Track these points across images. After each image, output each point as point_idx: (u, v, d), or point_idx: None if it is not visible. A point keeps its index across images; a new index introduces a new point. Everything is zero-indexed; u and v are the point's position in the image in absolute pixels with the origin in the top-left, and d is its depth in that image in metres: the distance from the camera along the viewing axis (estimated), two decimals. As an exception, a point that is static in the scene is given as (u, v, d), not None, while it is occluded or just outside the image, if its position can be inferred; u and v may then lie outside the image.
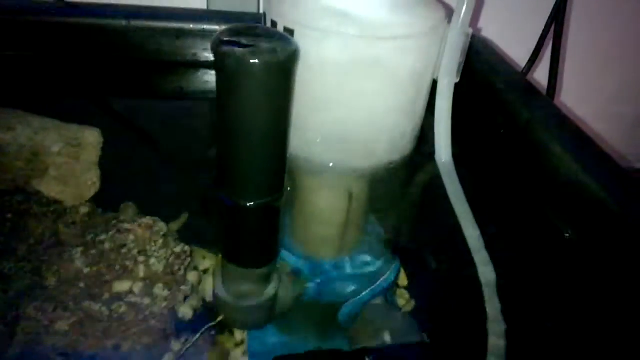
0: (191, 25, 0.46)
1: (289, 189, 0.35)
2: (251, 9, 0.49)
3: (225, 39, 0.29)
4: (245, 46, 0.28)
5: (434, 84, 0.37)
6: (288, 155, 0.34)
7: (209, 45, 0.47)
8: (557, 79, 0.42)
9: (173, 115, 0.43)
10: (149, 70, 0.46)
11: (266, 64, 0.28)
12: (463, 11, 0.33)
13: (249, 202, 0.34)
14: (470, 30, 0.35)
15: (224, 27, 0.46)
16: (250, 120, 0.31)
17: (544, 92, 0.45)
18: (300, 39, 0.32)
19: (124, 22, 0.44)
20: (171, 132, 0.41)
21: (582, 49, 0.61)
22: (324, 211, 0.37)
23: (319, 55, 0.32)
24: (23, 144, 0.38)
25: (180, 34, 0.46)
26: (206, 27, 0.46)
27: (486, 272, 0.30)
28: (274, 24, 0.34)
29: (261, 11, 0.44)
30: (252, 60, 0.28)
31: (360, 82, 0.33)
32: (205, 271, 0.32)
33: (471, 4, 0.33)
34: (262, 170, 0.34)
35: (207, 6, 0.50)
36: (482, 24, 0.56)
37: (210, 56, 0.47)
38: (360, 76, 0.33)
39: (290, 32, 0.32)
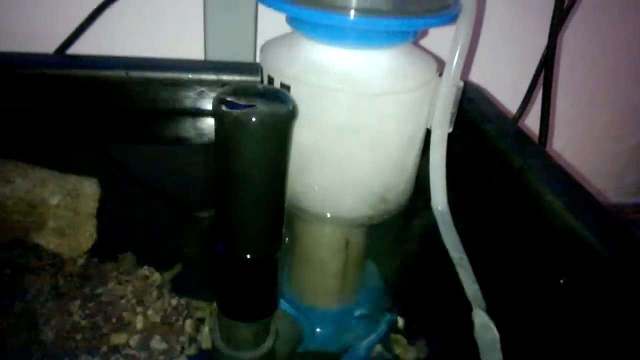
0: (189, 75, 0.47)
1: (287, 239, 0.36)
2: (248, 58, 0.51)
3: (224, 98, 0.29)
4: (243, 106, 0.29)
5: (429, 132, 0.38)
6: (286, 206, 0.34)
7: (206, 94, 0.48)
8: (549, 123, 0.43)
9: (170, 162, 0.44)
10: (146, 118, 0.47)
11: (264, 125, 0.29)
12: (454, 65, 0.34)
13: (247, 254, 0.35)
14: (461, 83, 0.36)
15: (220, 77, 0.48)
16: (247, 175, 0.31)
17: (536, 136, 0.47)
18: (297, 95, 0.33)
19: (123, 73, 0.45)
20: (168, 179, 0.42)
21: (571, 91, 0.62)
22: (322, 261, 0.37)
23: (315, 110, 0.33)
24: (21, 196, 0.38)
25: (178, 83, 0.47)
26: (203, 76, 0.47)
27: (487, 332, 0.29)
28: (270, 79, 0.35)
29: (257, 60, 0.45)
30: (250, 121, 0.29)
31: (355, 136, 0.34)
32: (201, 320, 0.32)
33: (462, 58, 0.34)
34: (260, 223, 0.34)
35: (205, 56, 0.51)
36: (474, 69, 0.57)
37: (207, 104, 0.48)
38: (355, 130, 0.34)
39: (287, 87, 0.33)
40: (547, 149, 0.46)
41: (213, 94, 0.48)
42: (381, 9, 0.31)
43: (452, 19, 0.33)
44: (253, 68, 0.48)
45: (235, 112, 0.28)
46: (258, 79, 0.37)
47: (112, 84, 0.45)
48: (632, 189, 0.76)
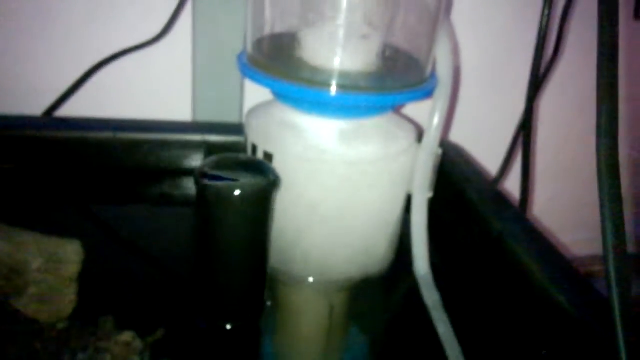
0: (175, 136, 0.48)
1: (269, 303, 0.35)
2: (234, 119, 0.52)
3: (206, 171, 0.30)
4: (225, 179, 0.30)
5: (410, 197, 0.39)
6: (268, 269, 0.35)
7: (192, 155, 0.49)
8: (528, 190, 0.44)
9: (155, 222, 0.44)
10: (132, 178, 0.48)
11: (245, 198, 0.29)
12: (432, 135, 0.35)
13: (227, 324, 0.34)
14: (440, 151, 0.37)
15: (207, 137, 0.48)
16: (229, 245, 0.32)
17: (516, 196, 0.48)
18: (279, 164, 0.33)
19: (110, 135, 0.46)
20: (153, 239, 0.42)
21: (552, 149, 0.64)
22: (306, 326, 0.37)
23: (298, 179, 0.34)
24: (3, 260, 0.38)
25: (165, 144, 0.48)
26: (189, 137, 0.48)
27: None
28: (254, 147, 0.35)
29: (243, 120, 0.46)
30: (231, 195, 0.30)
31: (336, 204, 0.34)
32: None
33: (439, 129, 0.36)
34: (242, 291, 0.34)
35: (193, 117, 0.52)
36: (454, 128, 0.59)
37: (192, 163, 0.49)
38: (336, 198, 0.34)
39: (270, 156, 0.34)
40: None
41: (199, 155, 0.48)
42: (361, 85, 0.32)
43: (429, 93, 0.34)
44: (239, 129, 0.49)
45: (217, 185, 0.28)
46: (243, 139, 0.38)
47: (100, 145, 0.46)
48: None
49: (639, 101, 0.65)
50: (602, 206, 0.19)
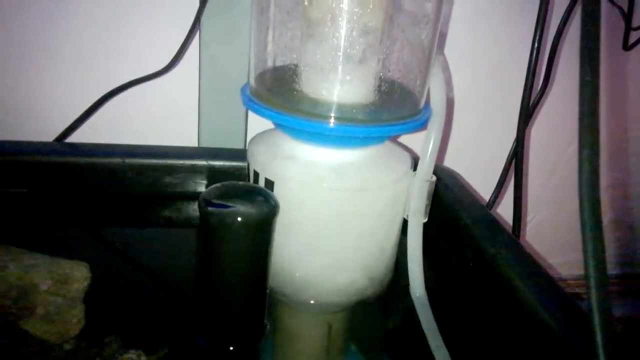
0: (182, 162, 0.49)
1: (268, 326, 0.37)
2: (238, 145, 0.54)
3: (209, 199, 0.32)
4: (228, 207, 0.31)
5: (406, 221, 0.40)
6: (268, 292, 0.36)
7: (197, 179, 0.51)
8: (521, 216, 0.46)
9: (160, 244, 0.46)
10: (140, 202, 0.49)
11: (247, 225, 0.31)
12: (426, 164, 0.37)
13: (229, 346, 0.35)
14: (434, 178, 0.38)
15: (211, 163, 0.50)
16: (231, 269, 0.33)
17: (508, 219, 0.49)
18: (280, 190, 0.35)
19: (119, 160, 0.48)
20: (159, 261, 0.43)
21: (543, 174, 0.66)
22: (304, 346, 0.38)
23: (298, 204, 0.35)
24: (13, 282, 0.39)
25: (172, 169, 0.49)
26: (195, 162, 0.50)
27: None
28: (256, 174, 0.37)
29: (246, 147, 0.48)
30: (234, 222, 0.31)
31: (335, 229, 0.36)
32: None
33: (433, 157, 0.37)
34: (243, 314, 0.35)
35: (198, 143, 0.54)
36: (449, 153, 0.61)
37: (198, 188, 0.51)
38: (335, 224, 0.36)
39: (271, 183, 0.36)
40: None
41: (204, 179, 0.50)
42: (358, 117, 0.34)
43: (423, 124, 0.36)
44: (243, 155, 0.51)
45: (220, 212, 0.30)
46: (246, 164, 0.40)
47: (109, 170, 0.48)
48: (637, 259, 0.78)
49: (628, 128, 0.67)
50: (584, 242, 0.20)
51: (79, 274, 0.42)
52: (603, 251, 0.22)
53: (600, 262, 0.21)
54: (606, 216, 0.73)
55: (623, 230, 0.74)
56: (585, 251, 0.22)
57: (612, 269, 0.76)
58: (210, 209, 0.30)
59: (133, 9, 0.50)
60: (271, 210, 0.32)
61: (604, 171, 0.70)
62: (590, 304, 0.23)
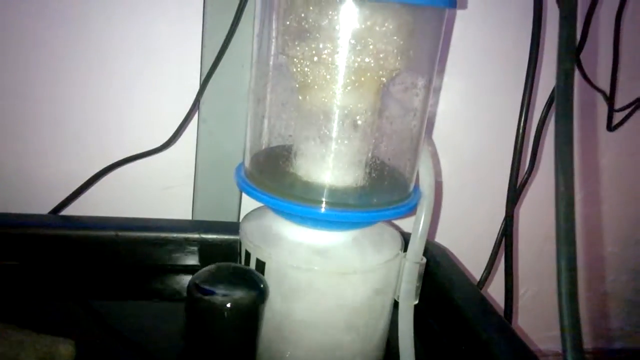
0: (175, 235, 0.50)
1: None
2: (232, 218, 0.54)
3: (198, 284, 0.32)
4: (216, 293, 0.31)
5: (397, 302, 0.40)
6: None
7: (190, 252, 0.51)
8: (512, 299, 0.46)
9: (150, 318, 0.45)
10: (132, 275, 0.49)
11: (235, 310, 0.31)
12: (416, 246, 0.38)
13: None
14: (424, 260, 0.39)
15: (204, 236, 0.50)
16: (218, 350, 0.33)
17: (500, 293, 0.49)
18: (271, 272, 0.35)
19: (112, 234, 0.48)
20: (146, 335, 0.42)
21: (533, 253, 0.67)
22: None
23: (288, 287, 0.35)
24: (-3, 360, 0.38)
25: (165, 242, 0.49)
26: (188, 236, 0.50)
27: None
28: (247, 254, 0.37)
29: (241, 220, 0.49)
30: (222, 307, 0.31)
31: (325, 312, 0.36)
32: None
33: (422, 239, 0.38)
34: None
35: (192, 216, 0.55)
36: (440, 230, 0.62)
37: (191, 261, 0.51)
38: (325, 306, 0.36)
39: (262, 263, 0.36)
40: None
41: (196, 253, 0.50)
42: (349, 202, 0.35)
43: (413, 208, 0.37)
44: (236, 228, 0.51)
45: (208, 298, 0.30)
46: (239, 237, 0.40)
47: (101, 243, 0.48)
48: (611, 334, 0.77)
49: (615, 204, 0.69)
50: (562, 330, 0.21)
51: (64, 351, 0.41)
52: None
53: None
54: (601, 289, 0.73)
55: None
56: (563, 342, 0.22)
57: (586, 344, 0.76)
58: (199, 295, 0.30)
59: (136, 86, 0.52)
60: (260, 296, 0.32)
61: (594, 246, 0.71)
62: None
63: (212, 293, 0.30)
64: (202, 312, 0.31)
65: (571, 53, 0.21)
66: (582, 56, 0.55)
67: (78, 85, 0.51)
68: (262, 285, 0.32)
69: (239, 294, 0.31)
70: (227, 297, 0.30)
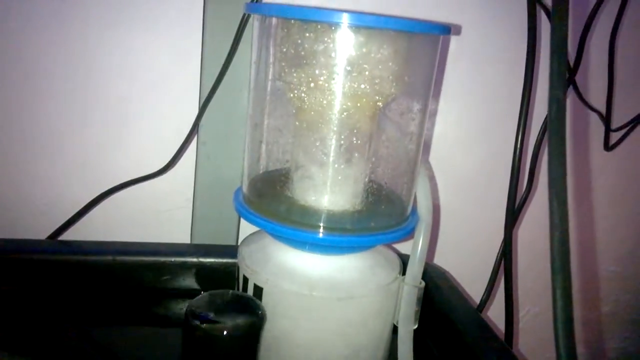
0: (173, 259, 0.50)
1: None
2: (231, 241, 0.54)
3: (195, 311, 0.32)
4: (212, 321, 0.31)
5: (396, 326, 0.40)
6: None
7: (188, 276, 0.51)
8: (513, 323, 0.45)
9: (147, 343, 0.45)
10: (130, 300, 0.49)
11: (232, 337, 0.31)
12: (415, 269, 0.37)
13: None
14: (423, 284, 0.38)
15: (202, 260, 0.50)
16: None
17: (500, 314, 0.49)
18: (268, 297, 0.35)
19: (110, 258, 0.48)
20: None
21: (533, 273, 0.66)
22: None
23: (286, 312, 0.35)
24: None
25: (162, 266, 0.49)
26: (187, 260, 0.50)
27: None
28: (245, 279, 0.37)
29: (239, 243, 0.48)
30: (219, 335, 0.31)
31: (323, 337, 0.36)
32: None
33: (421, 262, 0.38)
34: None
35: (191, 240, 0.55)
36: (438, 253, 0.61)
37: (189, 285, 0.51)
38: (323, 331, 0.35)
39: (260, 289, 0.36)
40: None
41: (194, 277, 0.50)
42: (346, 226, 0.35)
43: (410, 231, 0.37)
44: (235, 251, 0.51)
45: (205, 327, 0.30)
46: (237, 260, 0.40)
47: (99, 268, 0.48)
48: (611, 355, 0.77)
49: (613, 221, 0.68)
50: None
51: (59, 379, 0.40)
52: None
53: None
54: (607, 306, 0.73)
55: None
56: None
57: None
58: (196, 322, 0.30)
59: (135, 111, 0.52)
60: (258, 322, 0.32)
61: (595, 264, 0.71)
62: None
63: (209, 320, 0.30)
64: (200, 340, 0.31)
65: (563, 86, 0.21)
66: (577, 77, 0.56)
67: (76, 108, 0.51)
68: (259, 312, 0.32)
69: (236, 320, 0.31)
70: (224, 324, 0.30)
